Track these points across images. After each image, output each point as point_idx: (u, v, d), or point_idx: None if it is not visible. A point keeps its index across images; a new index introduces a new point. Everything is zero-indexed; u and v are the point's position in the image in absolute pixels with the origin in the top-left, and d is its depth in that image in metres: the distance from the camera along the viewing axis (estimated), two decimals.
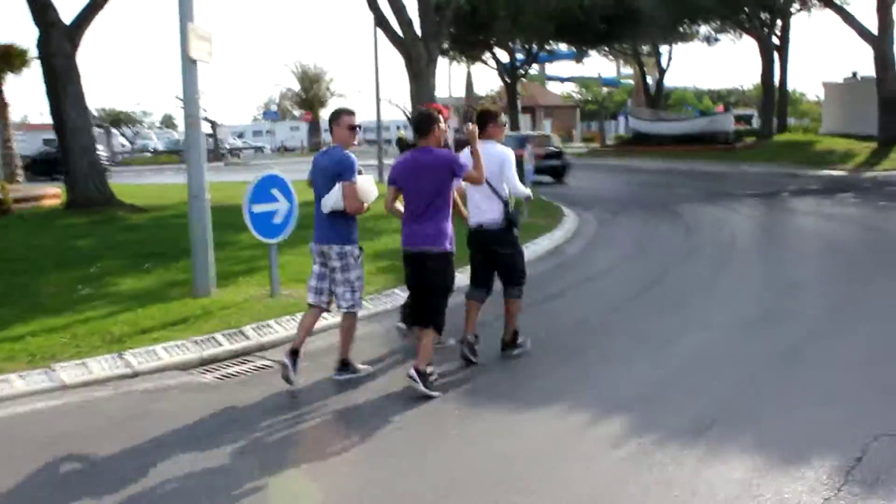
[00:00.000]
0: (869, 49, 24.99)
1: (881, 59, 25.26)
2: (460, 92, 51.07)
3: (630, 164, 30.28)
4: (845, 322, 6.46)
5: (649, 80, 44.33)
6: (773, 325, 6.41)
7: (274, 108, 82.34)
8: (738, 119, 40.32)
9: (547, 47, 43.04)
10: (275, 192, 7.35)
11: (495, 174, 5.52)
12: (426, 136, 5.12)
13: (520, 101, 43.06)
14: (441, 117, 5.19)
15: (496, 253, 5.63)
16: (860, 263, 9.40)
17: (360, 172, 5.23)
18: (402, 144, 12.74)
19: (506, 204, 5.56)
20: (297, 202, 7.50)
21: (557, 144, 23.67)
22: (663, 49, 42.67)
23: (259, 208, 7.23)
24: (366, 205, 5.25)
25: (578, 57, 48.90)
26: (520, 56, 43.88)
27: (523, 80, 50.20)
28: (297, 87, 58.64)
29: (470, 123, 5.33)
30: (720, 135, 32.36)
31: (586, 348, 6.00)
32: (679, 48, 50.48)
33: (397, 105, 54.96)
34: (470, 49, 41.08)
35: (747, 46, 52.84)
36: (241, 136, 65.89)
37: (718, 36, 39.35)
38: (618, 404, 4.61)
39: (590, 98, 62.02)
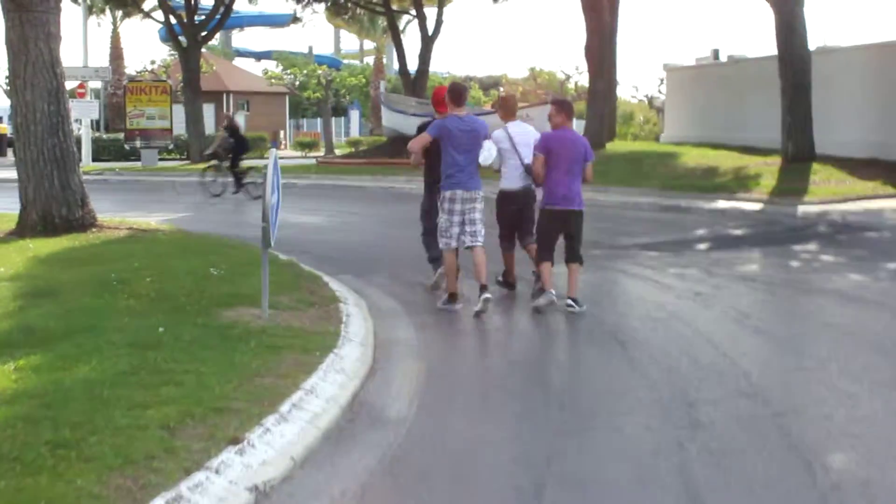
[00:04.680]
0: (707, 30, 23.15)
1: (786, 26, 23.56)
2: (101, 59, 44.81)
3: (396, 187, 26.33)
4: None
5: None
6: None
7: None
8: None
9: None
10: None
11: None
12: (571, 120, 10.13)
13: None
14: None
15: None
16: None
17: None
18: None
19: None
20: None
21: None
22: (429, 8, 39.75)
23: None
24: None
25: (294, 17, 44.78)
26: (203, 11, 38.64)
27: (204, 50, 45.10)
28: None
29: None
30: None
31: None
32: (452, 7, 47.81)
33: None
34: None
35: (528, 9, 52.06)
36: None
37: None
38: None
39: (302, 78, 57.55)
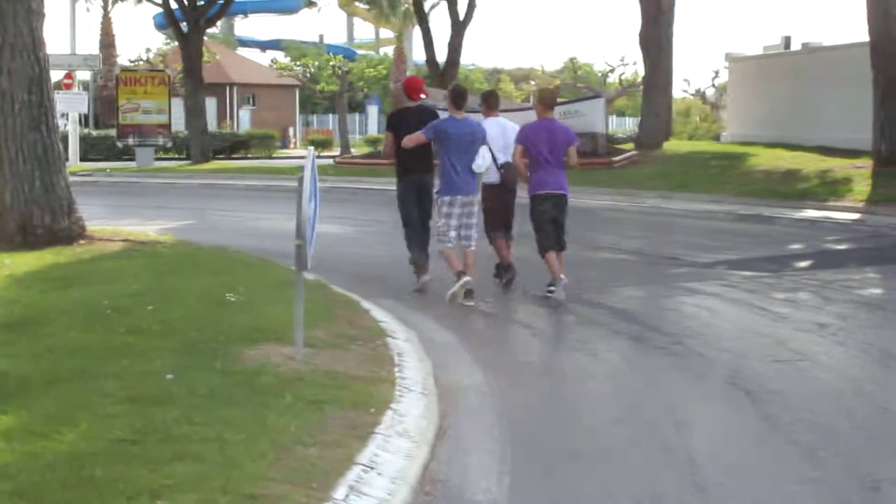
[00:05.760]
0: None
1: (881, 9, 22.36)
2: (91, 45, 44.05)
3: None
4: None
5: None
6: None
7: None
8: None
9: None
10: None
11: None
12: (552, 110, 11.30)
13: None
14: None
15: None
16: None
17: None
18: None
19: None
20: None
21: None
22: None
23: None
24: None
25: (309, 1, 44.00)
26: None
27: (207, 37, 44.21)
28: None
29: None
30: (583, 139, 28.51)
31: None
32: None
33: None
34: None
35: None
36: None
37: None
38: None
39: (314, 70, 56.42)
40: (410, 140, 10.71)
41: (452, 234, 10.66)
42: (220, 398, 6.07)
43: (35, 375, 6.48)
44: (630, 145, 32.29)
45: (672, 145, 31.33)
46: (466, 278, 10.40)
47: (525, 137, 10.82)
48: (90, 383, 6.32)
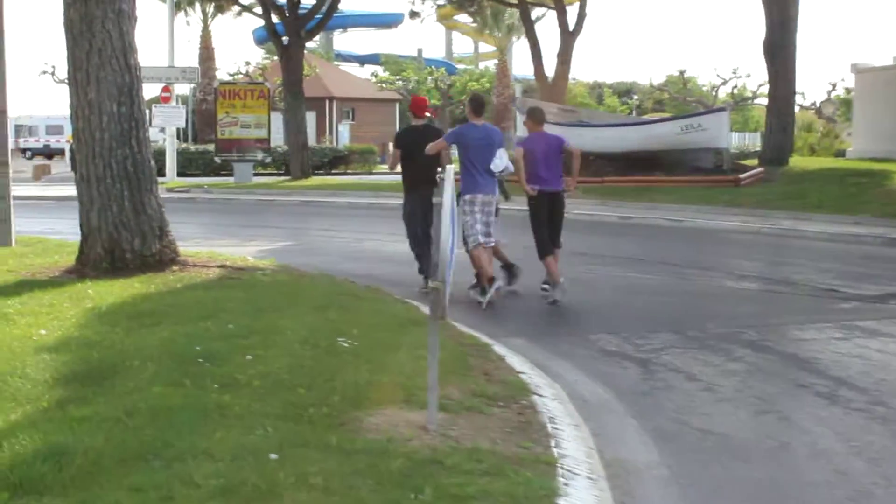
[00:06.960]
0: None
1: None
2: (190, 59, 43.52)
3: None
4: None
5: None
6: None
7: None
8: None
9: None
10: None
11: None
12: (543, 124, 12.03)
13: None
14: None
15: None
16: None
17: None
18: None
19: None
20: None
21: None
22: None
23: None
24: None
25: (412, 13, 43.14)
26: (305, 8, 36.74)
27: (306, 51, 43.30)
28: None
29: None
30: (705, 155, 26.80)
31: None
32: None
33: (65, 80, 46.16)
34: None
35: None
36: None
37: None
38: None
39: (414, 85, 55.49)
40: (434, 147, 11.40)
41: (479, 227, 11.31)
42: (339, 492, 4.66)
43: (106, 451, 5.13)
44: (753, 161, 30.47)
45: (798, 161, 29.43)
46: (498, 283, 11.37)
47: (525, 146, 11.83)
48: (174, 464, 4.97)
